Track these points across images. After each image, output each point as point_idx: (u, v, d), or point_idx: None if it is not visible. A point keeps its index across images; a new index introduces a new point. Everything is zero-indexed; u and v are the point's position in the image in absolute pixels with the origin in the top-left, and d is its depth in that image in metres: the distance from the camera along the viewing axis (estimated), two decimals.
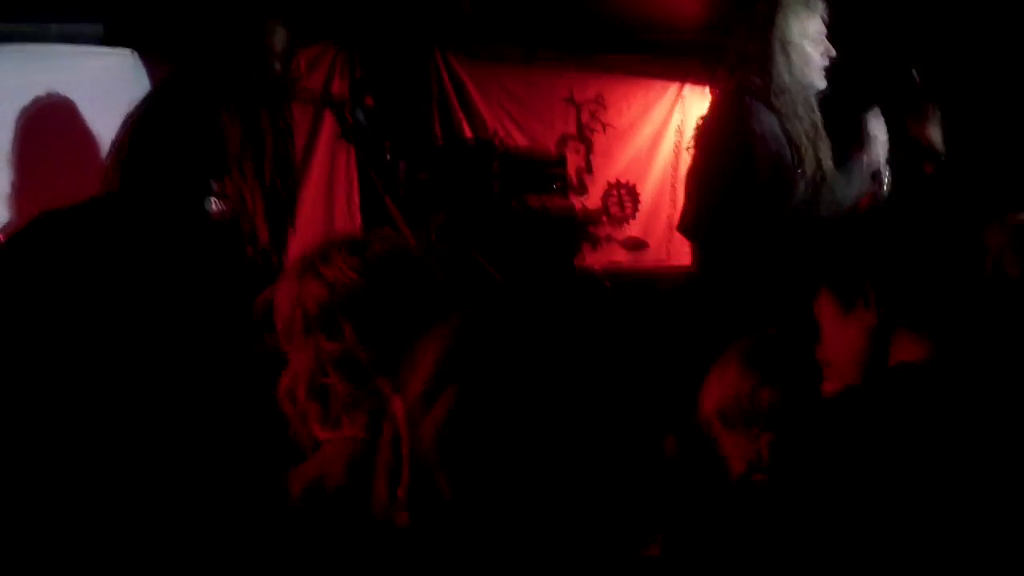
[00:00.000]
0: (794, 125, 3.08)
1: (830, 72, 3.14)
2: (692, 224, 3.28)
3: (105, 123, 3.05)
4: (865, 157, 3.14)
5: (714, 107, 3.37)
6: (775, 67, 3.07)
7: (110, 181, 2.52)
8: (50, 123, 3.59)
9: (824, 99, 3.17)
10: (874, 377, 1.65)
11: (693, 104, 5.66)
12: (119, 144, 2.56)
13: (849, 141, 3.19)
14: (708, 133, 3.27)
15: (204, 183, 2.55)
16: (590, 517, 1.06)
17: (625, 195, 5.59)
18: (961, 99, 3.82)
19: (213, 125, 2.58)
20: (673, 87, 5.64)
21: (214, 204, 2.55)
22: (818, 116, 3.13)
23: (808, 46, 3.10)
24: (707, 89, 5.63)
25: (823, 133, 3.14)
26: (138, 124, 2.57)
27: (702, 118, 3.42)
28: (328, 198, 4.62)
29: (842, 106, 3.23)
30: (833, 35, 3.14)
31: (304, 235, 3.17)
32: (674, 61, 5.49)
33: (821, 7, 3.13)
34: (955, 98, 3.63)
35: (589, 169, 5.51)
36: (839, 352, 1.72)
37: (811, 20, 3.12)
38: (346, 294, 1.50)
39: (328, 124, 4.54)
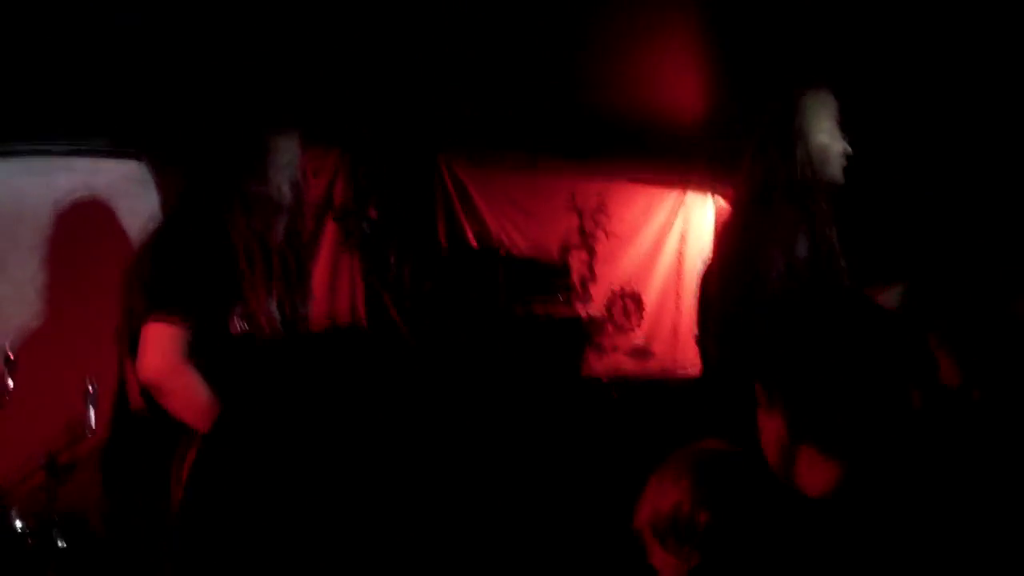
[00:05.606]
0: (821, 221, 3.07)
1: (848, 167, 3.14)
2: (720, 330, 3.18)
3: (113, 231, 2.97)
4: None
5: (737, 206, 3.31)
6: (798, 165, 3.07)
7: (130, 301, 2.41)
8: (58, 232, 3.50)
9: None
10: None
11: (695, 210, 5.63)
12: (138, 265, 2.46)
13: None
14: (736, 234, 3.18)
15: (225, 303, 2.45)
16: None
17: (630, 303, 5.49)
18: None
19: (228, 244, 2.50)
20: (675, 193, 5.59)
21: (237, 323, 2.44)
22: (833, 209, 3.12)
23: (826, 142, 3.11)
24: (709, 195, 5.63)
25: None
26: (156, 244, 2.49)
27: (722, 222, 3.35)
28: (331, 306, 4.49)
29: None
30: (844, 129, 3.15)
31: None
32: (676, 167, 5.45)
33: (833, 104, 3.15)
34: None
35: (592, 276, 5.41)
36: (766, 446, 1.56)
37: (826, 116, 3.14)
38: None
39: (331, 231, 4.45)
